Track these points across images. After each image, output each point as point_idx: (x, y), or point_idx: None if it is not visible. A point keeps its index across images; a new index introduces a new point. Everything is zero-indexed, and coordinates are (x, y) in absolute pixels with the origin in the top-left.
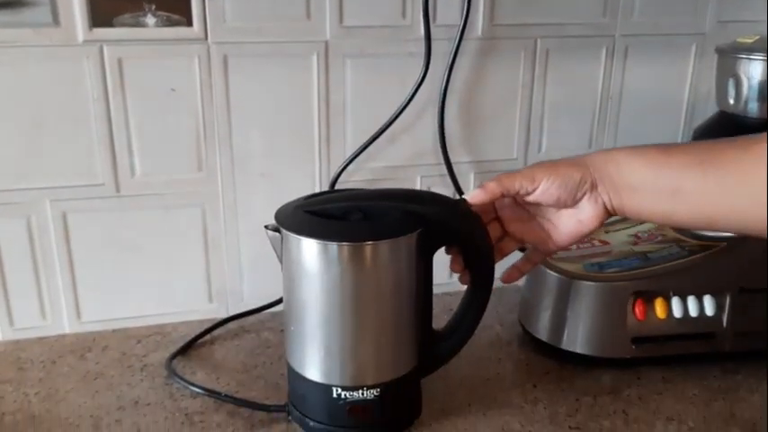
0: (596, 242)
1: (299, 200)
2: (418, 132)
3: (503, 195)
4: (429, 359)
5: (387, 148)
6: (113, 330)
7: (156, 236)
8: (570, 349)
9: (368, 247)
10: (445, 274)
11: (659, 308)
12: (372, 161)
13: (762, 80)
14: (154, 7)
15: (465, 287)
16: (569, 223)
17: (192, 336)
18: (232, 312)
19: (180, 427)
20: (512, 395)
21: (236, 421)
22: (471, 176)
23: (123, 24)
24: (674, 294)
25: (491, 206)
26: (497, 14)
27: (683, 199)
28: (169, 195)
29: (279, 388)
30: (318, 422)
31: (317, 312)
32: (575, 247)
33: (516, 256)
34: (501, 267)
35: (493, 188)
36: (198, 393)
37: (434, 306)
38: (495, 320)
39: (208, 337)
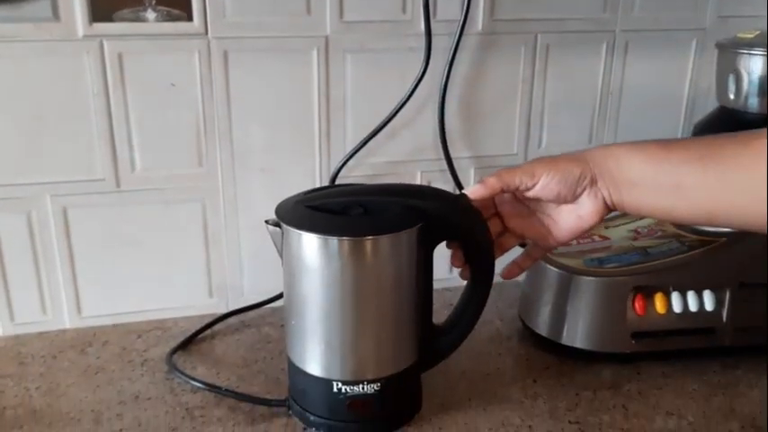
0: (596, 237)
1: (299, 195)
2: (418, 127)
3: (502, 190)
4: (429, 354)
5: (387, 144)
6: (114, 325)
7: (156, 231)
8: (570, 344)
9: (368, 241)
10: (445, 270)
11: (659, 303)
12: (372, 156)
13: (762, 75)
14: (154, 2)
15: (465, 283)
16: (569, 219)
17: (193, 331)
18: (232, 307)
19: (180, 422)
20: (512, 390)
21: (237, 416)
22: (471, 172)
23: (123, 19)
24: (674, 289)
25: (491, 202)
26: (498, 10)
27: (683, 194)
28: (169, 190)
29: (279, 383)
30: (319, 416)
31: (317, 307)
32: (575, 242)
33: (516, 251)
34: (501, 263)
35: (492, 183)
36: (198, 388)
37: (434, 301)
38: (496, 315)
39: (208, 331)
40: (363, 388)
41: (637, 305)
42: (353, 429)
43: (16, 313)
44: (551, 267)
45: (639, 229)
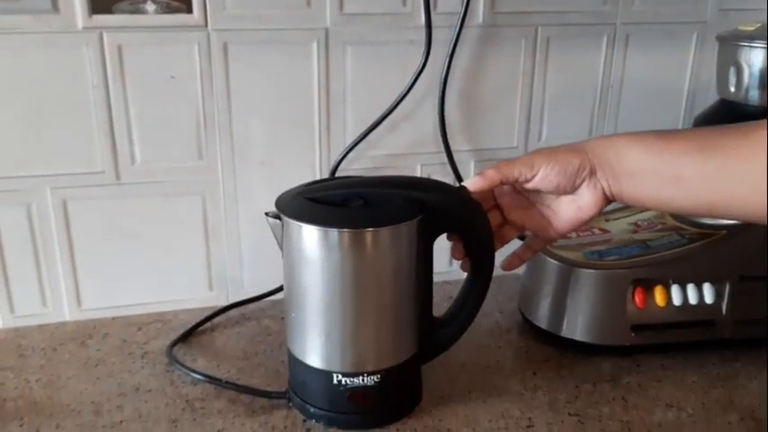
0: (596, 230)
1: (299, 187)
2: (418, 120)
3: (502, 182)
4: (429, 346)
5: (387, 136)
6: (114, 318)
7: (156, 224)
8: (570, 337)
9: (368, 233)
10: (445, 263)
11: (659, 296)
12: (372, 149)
13: (762, 68)
14: None
15: (465, 276)
16: (569, 210)
17: (193, 323)
18: (232, 300)
19: (181, 414)
20: (511, 382)
21: (237, 408)
22: (471, 165)
23: (123, 11)
24: (674, 282)
25: (490, 194)
26: (498, 2)
27: (682, 185)
28: (169, 183)
29: (279, 375)
30: (319, 408)
31: (317, 299)
32: (575, 234)
33: (516, 243)
34: (501, 255)
35: (492, 175)
36: (199, 380)
37: (434, 294)
38: (495, 308)
39: (208, 324)
40: (363, 380)
41: (636, 298)
42: (353, 421)
43: (16, 306)
44: (551, 260)
45: (639, 222)
